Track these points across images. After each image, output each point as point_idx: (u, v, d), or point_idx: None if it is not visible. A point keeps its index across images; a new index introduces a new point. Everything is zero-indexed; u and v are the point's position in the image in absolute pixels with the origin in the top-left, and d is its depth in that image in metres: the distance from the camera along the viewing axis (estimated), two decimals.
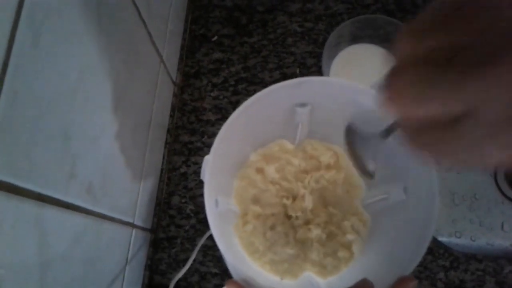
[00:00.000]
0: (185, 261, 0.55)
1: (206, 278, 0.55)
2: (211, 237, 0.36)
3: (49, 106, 0.30)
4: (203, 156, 0.39)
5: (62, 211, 0.33)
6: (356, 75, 0.58)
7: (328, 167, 0.49)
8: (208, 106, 0.62)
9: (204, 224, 0.57)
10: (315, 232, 0.46)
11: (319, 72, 0.62)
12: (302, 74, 0.62)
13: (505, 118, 0.17)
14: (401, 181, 0.43)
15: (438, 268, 0.54)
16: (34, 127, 0.28)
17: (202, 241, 0.53)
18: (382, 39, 0.59)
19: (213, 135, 0.39)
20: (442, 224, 0.54)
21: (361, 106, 0.40)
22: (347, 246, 0.46)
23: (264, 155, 0.49)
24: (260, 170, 0.49)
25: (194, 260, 0.54)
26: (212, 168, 0.38)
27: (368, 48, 0.60)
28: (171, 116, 0.61)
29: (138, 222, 0.52)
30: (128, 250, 0.49)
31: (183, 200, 0.59)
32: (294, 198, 0.48)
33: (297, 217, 0.48)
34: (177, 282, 0.53)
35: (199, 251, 0.54)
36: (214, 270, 0.55)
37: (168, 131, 0.61)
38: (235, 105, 0.62)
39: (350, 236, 0.46)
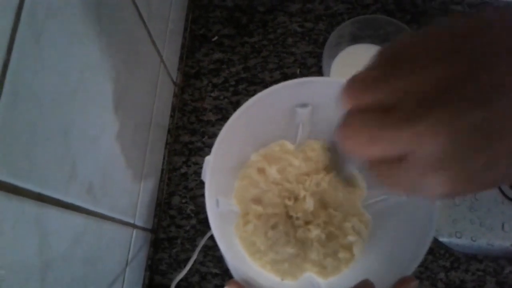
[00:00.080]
0: (185, 261, 0.55)
1: (206, 278, 0.55)
2: (211, 238, 0.36)
3: (50, 106, 0.30)
4: (203, 157, 0.39)
5: (63, 211, 0.33)
6: None
7: (328, 168, 0.49)
8: (209, 107, 0.62)
9: (204, 224, 0.57)
10: (315, 232, 0.46)
11: (319, 72, 0.62)
12: (303, 75, 0.62)
13: (432, 163, 0.19)
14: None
15: (438, 268, 0.54)
16: (34, 127, 0.28)
17: (203, 241, 0.53)
18: (382, 39, 0.59)
19: (214, 135, 0.39)
20: (442, 224, 0.54)
21: None
22: (348, 247, 0.46)
23: (265, 156, 0.49)
24: (261, 171, 0.49)
25: (195, 261, 0.54)
26: (213, 169, 0.38)
27: (368, 48, 0.60)
28: (172, 116, 0.61)
29: (138, 222, 0.52)
30: (129, 250, 0.49)
31: (183, 201, 0.59)
32: (295, 199, 0.48)
33: (297, 218, 0.48)
34: (178, 282, 0.53)
35: (199, 251, 0.54)
36: (215, 271, 0.55)
37: (169, 131, 0.61)
38: (235, 105, 0.62)
39: (351, 238, 0.46)
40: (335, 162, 0.38)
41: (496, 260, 0.53)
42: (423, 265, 0.54)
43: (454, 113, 0.19)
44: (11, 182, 0.26)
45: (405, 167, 0.21)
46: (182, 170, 0.60)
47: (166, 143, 0.60)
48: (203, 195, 0.37)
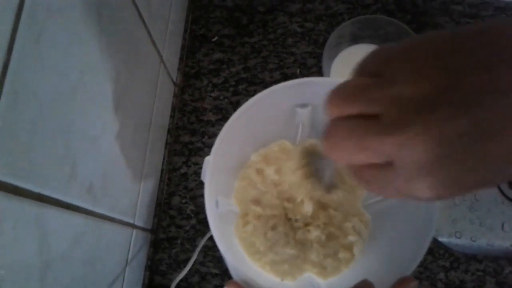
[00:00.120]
0: (185, 261, 0.55)
1: (206, 278, 0.55)
2: (211, 238, 0.36)
3: (49, 106, 0.30)
4: (203, 157, 0.39)
5: (63, 211, 0.33)
6: None
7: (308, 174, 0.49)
8: (209, 107, 0.62)
9: (204, 224, 0.57)
10: (314, 233, 0.46)
11: (319, 72, 0.62)
12: (303, 75, 0.62)
13: (418, 169, 0.20)
14: None
15: (438, 268, 0.54)
16: (34, 127, 0.28)
17: (203, 241, 0.53)
18: (383, 39, 0.59)
19: (214, 135, 0.39)
20: (442, 224, 0.54)
21: None
22: (348, 247, 0.46)
23: (264, 156, 0.49)
24: (260, 172, 0.49)
25: (195, 261, 0.54)
26: (213, 169, 0.38)
27: (369, 49, 0.59)
28: (172, 116, 0.61)
29: (138, 222, 0.52)
30: (129, 250, 0.49)
31: (183, 201, 0.59)
32: (294, 201, 0.48)
33: (296, 220, 0.48)
34: (178, 282, 0.53)
35: (199, 251, 0.54)
36: (215, 271, 0.55)
37: (169, 131, 0.61)
38: (235, 105, 0.62)
39: (351, 238, 0.46)
40: (315, 169, 0.38)
41: (496, 260, 0.53)
42: (423, 265, 0.54)
43: (441, 119, 0.19)
44: (11, 182, 0.26)
45: (391, 174, 0.21)
46: (182, 170, 0.60)
47: (166, 143, 0.60)
48: (203, 195, 0.37)
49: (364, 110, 0.21)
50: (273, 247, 0.46)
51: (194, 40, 0.65)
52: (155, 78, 0.54)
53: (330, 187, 0.37)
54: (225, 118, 0.49)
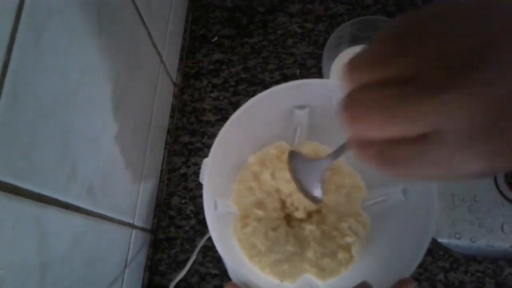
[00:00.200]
0: (184, 262, 0.55)
1: (205, 279, 0.55)
2: (210, 238, 0.36)
3: (50, 107, 0.30)
4: (203, 157, 0.39)
5: (62, 211, 0.33)
6: None
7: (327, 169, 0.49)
8: (208, 107, 0.62)
9: (204, 225, 0.57)
10: (308, 227, 0.46)
11: (319, 73, 0.62)
12: (302, 75, 0.62)
13: (465, 138, 0.18)
14: (400, 183, 0.43)
15: (438, 269, 0.54)
16: (34, 128, 0.28)
17: (202, 242, 0.53)
18: None
19: (213, 135, 0.39)
20: (442, 225, 0.54)
21: None
22: (346, 248, 0.46)
23: (261, 159, 0.49)
24: (257, 177, 0.48)
25: (194, 261, 0.54)
26: (211, 171, 0.38)
27: None
28: (171, 116, 0.61)
29: (138, 223, 0.52)
30: (128, 251, 0.49)
31: (183, 201, 0.59)
32: (292, 203, 0.48)
33: (295, 218, 0.48)
34: (177, 283, 0.53)
35: (199, 252, 0.54)
36: (214, 271, 0.55)
37: (168, 131, 0.61)
38: (235, 105, 0.62)
39: (348, 239, 0.46)
40: (296, 172, 0.37)
41: (495, 261, 0.53)
42: (422, 266, 0.54)
43: (488, 81, 0.17)
44: (11, 182, 0.26)
45: (427, 147, 0.18)
46: (182, 171, 0.60)
47: (166, 144, 0.60)
48: (202, 196, 0.37)
49: (396, 73, 0.19)
50: (273, 247, 0.46)
51: (194, 41, 0.65)
52: (155, 78, 0.54)
53: (317, 196, 0.37)
54: (224, 119, 0.49)
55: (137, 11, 0.45)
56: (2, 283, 0.26)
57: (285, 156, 0.48)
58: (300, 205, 0.48)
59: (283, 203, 0.49)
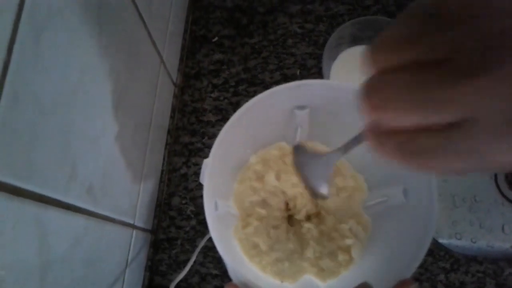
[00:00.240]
0: (185, 262, 0.55)
1: (206, 279, 0.55)
2: (211, 238, 0.36)
3: (50, 107, 0.30)
4: (203, 157, 0.39)
5: (63, 212, 0.33)
6: (357, 77, 0.58)
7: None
8: (209, 107, 0.62)
9: (204, 225, 0.57)
10: (307, 226, 0.46)
11: (319, 73, 0.62)
12: (303, 76, 0.62)
13: (507, 122, 0.16)
14: (400, 183, 0.43)
15: (438, 270, 0.54)
16: (34, 128, 0.28)
17: (202, 242, 0.53)
18: None
19: (214, 136, 0.39)
20: (442, 226, 0.54)
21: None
22: (346, 249, 0.46)
23: (263, 159, 0.49)
24: (260, 178, 0.48)
25: (194, 261, 0.54)
26: (212, 171, 0.38)
27: None
28: (172, 117, 0.61)
29: (138, 223, 0.52)
30: (129, 251, 0.49)
31: (183, 201, 0.58)
32: (294, 203, 0.49)
33: (296, 218, 0.48)
34: (178, 283, 0.53)
35: (199, 252, 0.54)
36: (215, 272, 0.55)
37: (169, 132, 0.61)
38: (235, 106, 0.62)
39: (348, 241, 0.46)
40: (302, 168, 0.35)
41: (496, 262, 0.53)
42: (423, 266, 0.54)
43: None
44: (11, 182, 0.26)
45: (461, 135, 0.17)
46: (182, 171, 0.60)
47: (166, 144, 0.60)
48: (203, 196, 0.37)
49: (426, 56, 0.17)
50: (274, 245, 0.46)
51: (194, 41, 0.65)
52: (155, 78, 0.54)
53: (323, 193, 0.35)
54: (225, 119, 0.49)
55: (137, 11, 0.45)
56: (2, 283, 0.26)
57: (288, 158, 0.49)
58: (302, 208, 0.48)
59: (286, 204, 0.49)
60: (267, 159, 0.49)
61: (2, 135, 0.25)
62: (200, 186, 0.59)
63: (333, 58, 0.60)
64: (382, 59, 0.18)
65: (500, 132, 0.16)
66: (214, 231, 0.36)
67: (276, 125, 0.46)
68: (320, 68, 0.62)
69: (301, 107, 0.44)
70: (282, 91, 0.39)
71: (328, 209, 0.48)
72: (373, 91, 0.19)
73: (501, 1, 0.16)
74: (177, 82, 0.63)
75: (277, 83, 0.39)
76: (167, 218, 0.58)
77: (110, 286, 0.45)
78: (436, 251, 0.54)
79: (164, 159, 0.60)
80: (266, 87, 0.38)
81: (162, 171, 0.59)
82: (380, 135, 0.20)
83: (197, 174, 0.59)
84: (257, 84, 0.62)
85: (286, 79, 0.62)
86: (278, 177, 0.48)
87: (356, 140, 0.30)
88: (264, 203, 0.48)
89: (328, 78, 0.59)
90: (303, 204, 0.48)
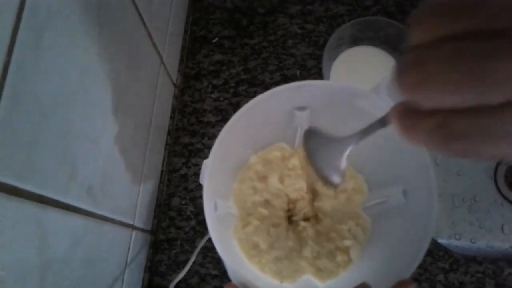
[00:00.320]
0: (185, 262, 0.55)
1: (205, 280, 0.55)
2: (211, 239, 0.36)
3: (50, 107, 0.30)
4: (203, 158, 0.39)
5: (62, 212, 0.33)
6: (357, 77, 0.58)
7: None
8: (209, 108, 0.62)
9: (204, 225, 0.57)
10: (303, 224, 0.46)
11: (319, 74, 0.62)
12: (303, 76, 0.62)
13: None
14: (400, 184, 0.43)
15: (437, 270, 0.54)
16: (34, 128, 0.28)
17: (202, 243, 0.53)
18: (383, 41, 0.59)
19: (214, 136, 0.39)
20: (442, 226, 0.54)
21: (360, 109, 0.40)
22: (345, 250, 0.46)
23: (264, 159, 0.49)
24: (263, 179, 0.48)
25: (194, 262, 0.54)
26: (212, 172, 0.38)
27: (369, 50, 0.60)
28: (172, 117, 0.61)
29: (138, 223, 0.52)
30: (128, 251, 0.49)
31: (183, 202, 0.59)
32: (295, 204, 0.49)
33: (295, 218, 0.48)
34: (177, 283, 0.53)
35: (199, 252, 0.54)
36: (214, 272, 0.55)
37: (169, 132, 0.61)
38: (235, 106, 0.62)
39: (347, 242, 0.46)
40: (313, 154, 0.32)
41: (495, 262, 0.53)
42: (422, 266, 0.54)
43: None
44: (11, 183, 0.26)
45: (510, 118, 0.15)
46: (182, 172, 0.60)
47: (166, 144, 0.60)
48: (202, 197, 0.37)
49: (479, 26, 0.15)
50: (274, 243, 0.46)
51: (194, 41, 0.66)
52: (155, 79, 0.55)
53: (335, 181, 0.32)
54: (225, 119, 0.49)
55: (137, 11, 0.45)
56: (2, 283, 0.26)
57: (290, 162, 0.49)
58: (301, 210, 0.48)
59: (286, 202, 0.49)
60: (268, 160, 0.49)
61: (2, 135, 0.25)
62: (200, 187, 0.59)
63: (333, 58, 0.60)
64: (432, 27, 0.16)
65: None
66: (214, 231, 0.36)
67: (276, 126, 0.46)
68: (320, 69, 0.62)
69: (301, 108, 0.44)
70: (282, 91, 0.39)
71: (325, 212, 0.48)
72: (415, 65, 0.16)
73: None
74: (177, 82, 0.63)
75: (277, 83, 0.39)
76: (167, 218, 0.58)
77: (110, 286, 0.45)
78: (436, 251, 0.54)
79: (164, 159, 0.60)
80: (266, 87, 0.38)
81: (162, 171, 0.59)
82: (412, 116, 0.18)
83: (197, 174, 0.59)
84: (257, 85, 0.62)
85: (286, 79, 0.62)
86: (281, 180, 0.48)
87: (378, 124, 0.26)
88: (266, 204, 0.48)
89: (328, 78, 0.59)
90: (302, 206, 0.48)
